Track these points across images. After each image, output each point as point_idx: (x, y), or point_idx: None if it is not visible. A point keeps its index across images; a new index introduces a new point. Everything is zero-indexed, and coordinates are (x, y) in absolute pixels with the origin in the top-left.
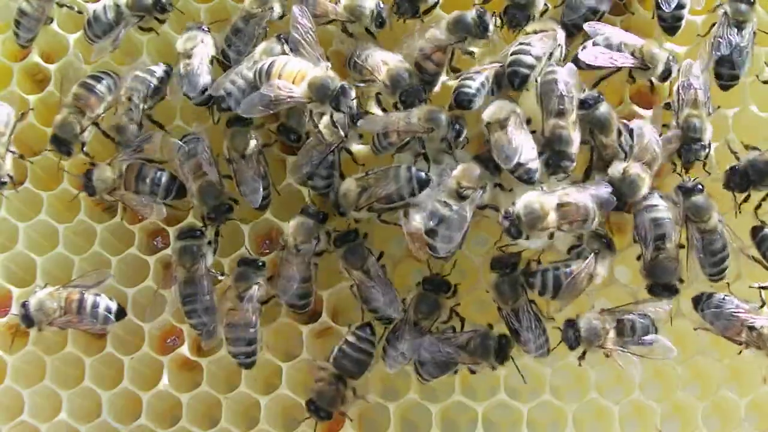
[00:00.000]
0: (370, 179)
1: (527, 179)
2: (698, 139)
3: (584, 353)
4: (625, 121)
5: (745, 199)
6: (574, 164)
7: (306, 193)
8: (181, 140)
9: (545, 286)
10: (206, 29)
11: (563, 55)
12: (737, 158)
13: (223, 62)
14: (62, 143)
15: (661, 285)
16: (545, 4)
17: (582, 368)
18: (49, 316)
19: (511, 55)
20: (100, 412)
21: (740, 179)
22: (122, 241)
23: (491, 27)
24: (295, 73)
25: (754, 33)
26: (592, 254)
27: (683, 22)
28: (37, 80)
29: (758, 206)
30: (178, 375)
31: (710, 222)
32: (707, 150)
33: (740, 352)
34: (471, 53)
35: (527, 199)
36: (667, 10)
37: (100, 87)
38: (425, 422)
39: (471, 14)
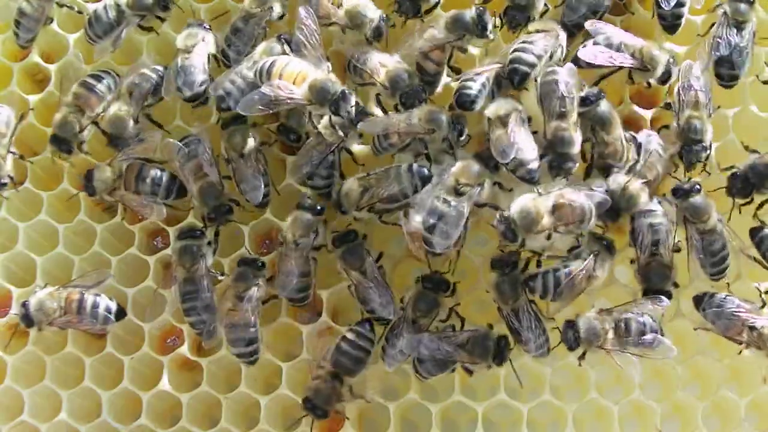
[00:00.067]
0: (372, 179)
1: (529, 179)
2: (699, 140)
3: (584, 353)
4: (632, 133)
5: (747, 203)
6: (577, 165)
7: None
8: (180, 141)
9: (546, 288)
10: (208, 27)
11: (563, 55)
12: (755, 152)
13: (223, 61)
14: (62, 142)
15: (655, 290)
16: (545, 5)
17: (582, 368)
18: (49, 316)
19: (512, 52)
20: (100, 412)
21: (742, 185)
22: (122, 241)
23: (490, 26)
24: (296, 74)
25: (754, 33)
26: (591, 256)
27: (683, 21)
28: (37, 80)
29: (759, 207)
30: (178, 375)
31: (709, 222)
32: (708, 151)
33: (740, 352)
34: (465, 51)
35: (521, 203)
36: (666, 8)
37: (100, 86)
38: (425, 422)
39: (470, 13)
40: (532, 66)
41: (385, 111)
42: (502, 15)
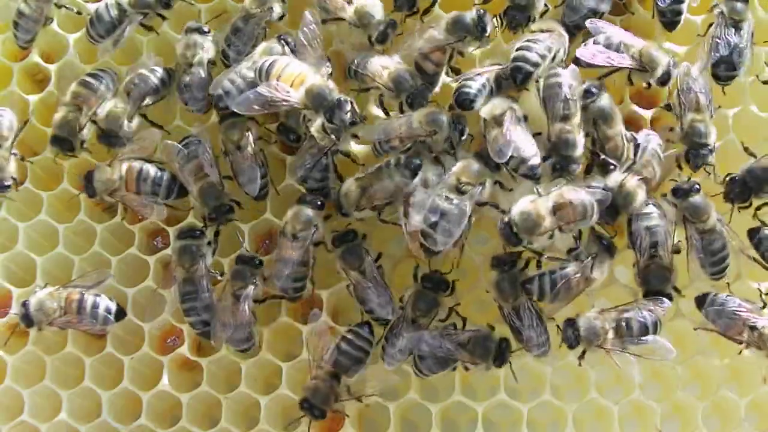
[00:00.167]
0: (366, 179)
1: (532, 175)
2: (705, 144)
3: (584, 352)
4: (633, 133)
5: (746, 207)
6: (580, 166)
7: None
8: (181, 142)
9: (543, 291)
10: (206, 30)
11: (566, 55)
12: (752, 155)
13: (223, 61)
14: (63, 142)
15: (655, 293)
16: (545, 5)
17: (582, 368)
18: (49, 316)
19: (516, 51)
20: (100, 412)
21: (740, 189)
22: (122, 241)
23: (490, 28)
24: (294, 76)
25: (752, 33)
26: (589, 258)
27: (682, 17)
28: (37, 80)
29: (759, 207)
30: (178, 375)
31: (709, 222)
32: (714, 153)
33: (740, 352)
34: (463, 54)
35: (522, 206)
36: (663, 5)
37: (99, 85)
38: (425, 422)
39: (470, 14)
40: (536, 65)
41: (387, 113)
42: (503, 15)
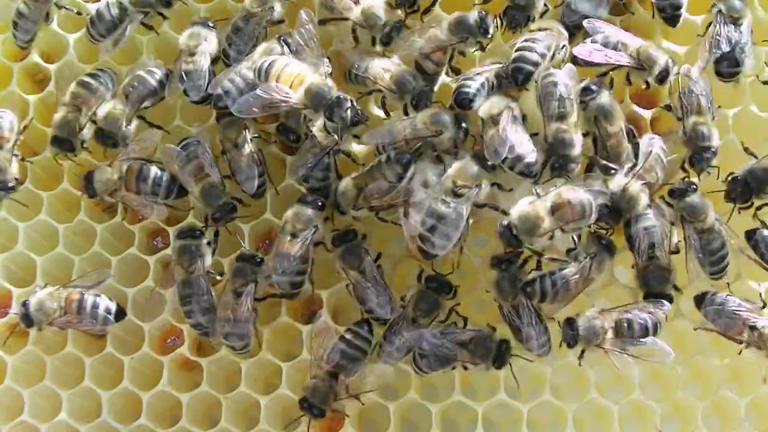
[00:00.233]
0: (361, 178)
1: (528, 173)
2: (708, 147)
3: (583, 352)
4: (632, 127)
5: (746, 208)
6: (579, 166)
7: None
8: (180, 143)
9: (544, 292)
10: (211, 25)
11: (566, 54)
12: (753, 156)
13: (224, 60)
14: (63, 142)
15: (655, 294)
16: (545, 5)
17: (582, 368)
18: (48, 316)
19: (516, 51)
20: (100, 412)
21: (742, 189)
22: (122, 241)
23: (492, 29)
24: (293, 77)
25: (751, 30)
26: (588, 258)
27: (683, 11)
28: (37, 80)
29: (759, 208)
30: (178, 375)
31: (707, 221)
32: (717, 155)
33: (740, 352)
34: (464, 54)
35: (520, 208)
36: (659, 0)
37: (98, 85)
38: (425, 422)
39: (473, 16)
40: (536, 65)
41: (388, 114)
42: (502, 15)
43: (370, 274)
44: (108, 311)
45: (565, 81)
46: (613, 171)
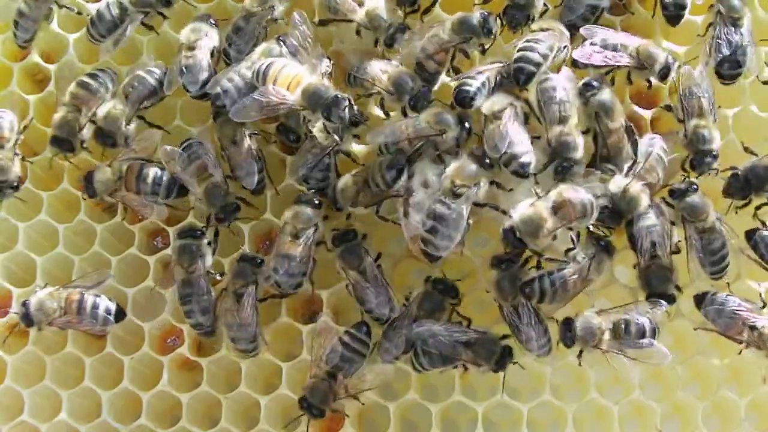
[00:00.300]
0: (361, 176)
1: (522, 173)
2: (709, 150)
3: (581, 352)
4: (634, 130)
5: (745, 205)
6: (583, 168)
7: None
8: (183, 143)
9: (543, 292)
10: (213, 22)
11: (568, 54)
12: (753, 154)
13: (224, 60)
14: (62, 142)
15: (657, 294)
16: (545, 5)
17: (582, 368)
18: (48, 316)
19: (518, 51)
20: (100, 412)
21: (742, 185)
22: (122, 241)
23: (495, 29)
24: (290, 78)
25: (751, 30)
26: (586, 258)
27: (686, 11)
28: (37, 80)
29: (758, 207)
30: (178, 375)
31: (708, 221)
32: (718, 158)
33: (740, 352)
34: (467, 54)
35: (522, 210)
36: None
37: (98, 86)
38: (425, 422)
39: (476, 16)
40: (538, 65)
41: (387, 115)
42: (502, 14)
43: (371, 274)
44: (108, 311)
45: (564, 84)
46: (612, 173)
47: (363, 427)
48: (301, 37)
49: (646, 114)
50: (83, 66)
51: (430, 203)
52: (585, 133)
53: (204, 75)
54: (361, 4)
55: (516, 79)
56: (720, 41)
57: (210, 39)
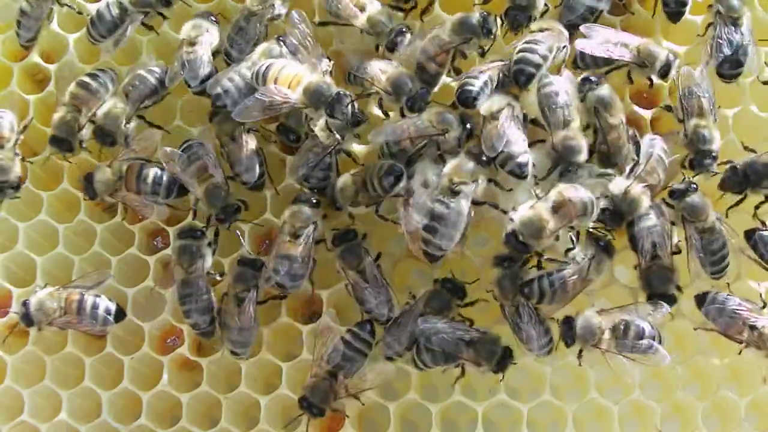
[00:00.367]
0: (360, 175)
1: (519, 173)
2: (709, 150)
3: (581, 351)
4: (636, 134)
5: (740, 202)
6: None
7: None
8: (183, 144)
9: (543, 292)
10: (214, 19)
11: (568, 54)
12: (753, 151)
13: (225, 60)
14: (62, 142)
15: (659, 295)
16: (545, 5)
17: (582, 368)
18: (48, 316)
19: (518, 52)
20: (100, 412)
21: (739, 180)
22: (122, 241)
23: (495, 29)
24: (291, 78)
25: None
26: (586, 259)
27: (688, 8)
28: (37, 80)
29: (757, 206)
30: (178, 375)
31: (708, 221)
32: (717, 159)
33: (740, 352)
34: (465, 55)
35: (522, 214)
36: None
37: (98, 86)
38: (425, 422)
39: (475, 16)
40: (538, 66)
41: (387, 115)
42: (503, 15)
43: (370, 274)
44: (108, 312)
45: (566, 87)
46: (612, 173)
47: (363, 427)
48: (301, 36)
49: (646, 114)
50: (83, 66)
51: (429, 204)
52: (585, 129)
53: (205, 70)
54: (362, 9)
55: (516, 80)
56: (721, 41)
57: (211, 35)
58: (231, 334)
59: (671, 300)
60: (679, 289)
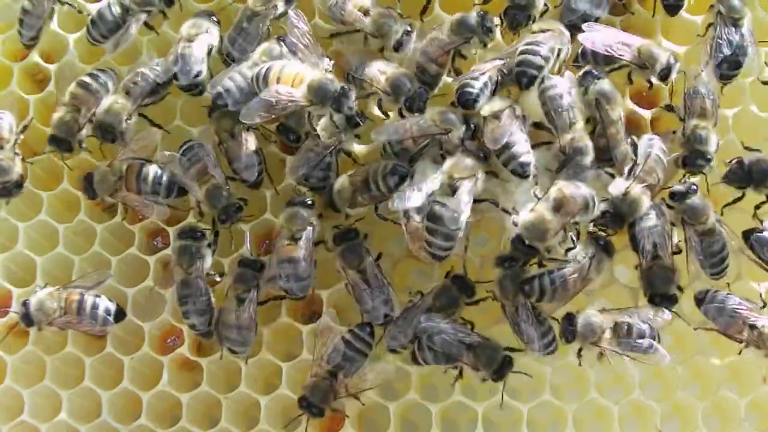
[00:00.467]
0: (358, 177)
1: (521, 173)
2: (704, 152)
3: (580, 350)
4: (633, 137)
5: (738, 199)
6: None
7: None
8: (183, 145)
9: (543, 291)
10: (215, 19)
11: (569, 54)
12: (757, 150)
13: (226, 60)
14: (61, 142)
15: (660, 295)
16: (545, 5)
17: (582, 368)
18: (48, 316)
19: (519, 54)
20: (100, 412)
21: (745, 175)
22: (122, 241)
23: (494, 27)
24: (293, 76)
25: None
26: (586, 258)
27: (685, 2)
28: (37, 80)
29: (758, 207)
30: (178, 375)
31: (708, 223)
32: (712, 162)
33: (740, 351)
34: (464, 56)
35: (523, 218)
36: None
37: (98, 86)
38: (425, 422)
39: (473, 15)
40: (540, 68)
41: (387, 115)
42: (503, 15)
43: (371, 274)
44: (108, 312)
45: (568, 89)
46: (611, 173)
47: (363, 427)
48: (300, 35)
49: (646, 114)
50: (83, 66)
51: (429, 204)
52: (586, 122)
53: (197, 68)
54: (366, 13)
55: (518, 82)
56: (720, 41)
57: (210, 35)
58: (230, 332)
59: (672, 300)
60: (679, 289)
